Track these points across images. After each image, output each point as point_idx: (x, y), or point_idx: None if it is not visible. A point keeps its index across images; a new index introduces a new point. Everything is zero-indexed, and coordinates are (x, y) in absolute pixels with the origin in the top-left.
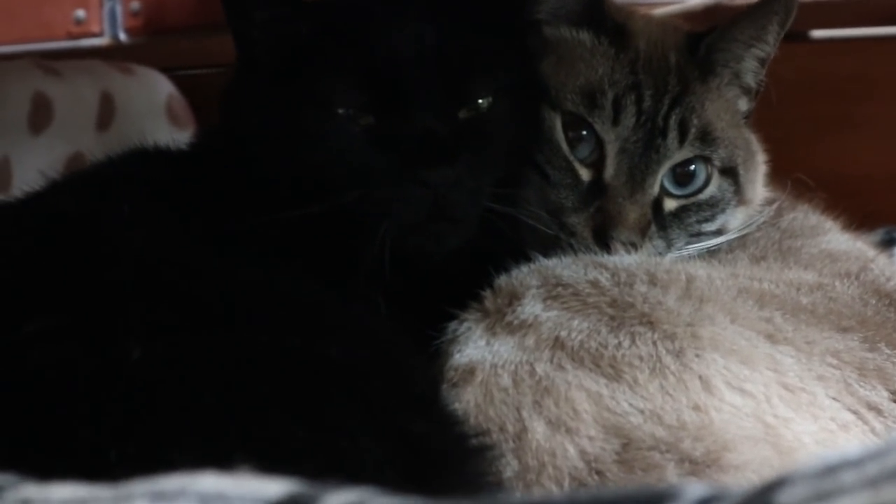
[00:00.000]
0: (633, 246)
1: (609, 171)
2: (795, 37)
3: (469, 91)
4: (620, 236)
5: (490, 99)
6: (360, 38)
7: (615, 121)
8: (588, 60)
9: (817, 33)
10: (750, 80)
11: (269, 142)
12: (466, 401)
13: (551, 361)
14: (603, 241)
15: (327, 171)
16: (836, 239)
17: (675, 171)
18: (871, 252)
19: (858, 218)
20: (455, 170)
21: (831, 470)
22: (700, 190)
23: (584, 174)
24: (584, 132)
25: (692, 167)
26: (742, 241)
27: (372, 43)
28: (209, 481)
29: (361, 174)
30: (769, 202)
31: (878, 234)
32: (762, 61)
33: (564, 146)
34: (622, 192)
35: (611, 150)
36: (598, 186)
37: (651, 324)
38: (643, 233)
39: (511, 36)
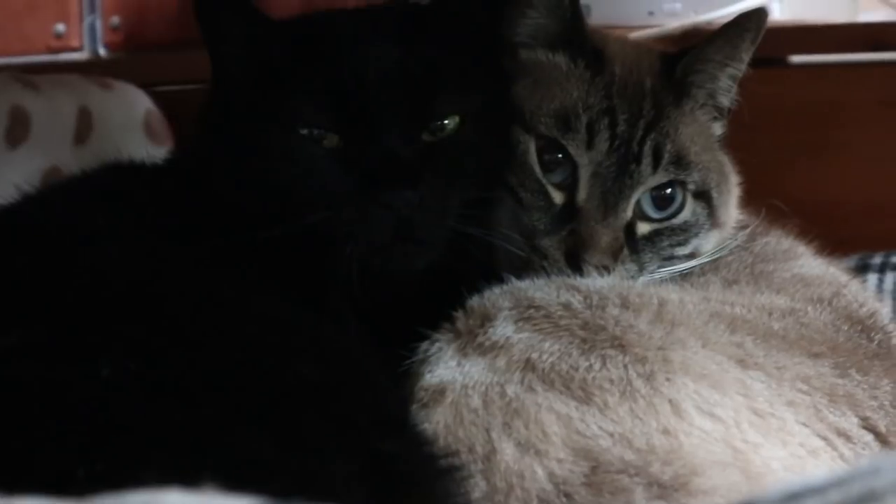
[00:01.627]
0: (606, 269)
1: (582, 194)
2: (772, 62)
3: (434, 112)
4: (592, 260)
5: (457, 120)
6: (327, 58)
7: (589, 144)
8: (563, 84)
9: (795, 59)
10: (724, 99)
11: (239, 161)
12: (436, 421)
13: (522, 383)
14: (575, 264)
15: (293, 191)
16: (809, 264)
17: (654, 196)
18: (843, 277)
19: (832, 244)
20: (418, 192)
21: (794, 497)
22: (674, 214)
23: (557, 197)
24: (560, 155)
25: (669, 191)
26: (714, 265)
27: (338, 64)
28: (174, 497)
29: (326, 195)
30: (743, 226)
31: (853, 261)
32: (735, 79)
33: (538, 169)
34: (595, 216)
35: (584, 174)
36: (570, 209)
37: (622, 347)
38: (615, 256)
39: (482, 58)
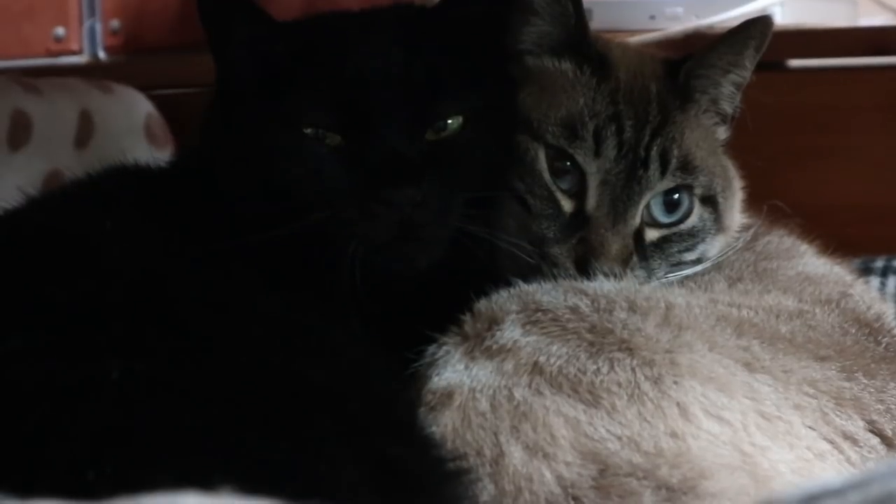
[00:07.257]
0: (616, 276)
1: (591, 202)
2: (773, 66)
3: (437, 112)
4: (603, 267)
5: (460, 120)
6: (332, 59)
7: (597, 152)
8: (569, 91)
9: (794, 62)
10: (726, 105)
11: (243, 161)
12: (444, 424)
13: (530, 386)
14: (585, 272)
15: (297, 191)
16: (813, 262)
17: (664, 200)
18: (848, 277)
19: (834, 247)
20: (420, 189)
21: (813, 499)
22: (682, 220)
23: (567, 205)
24: (568, 163)
25: (676, 196)
26: (717, 263)
27: (341, 63)
28: (192, 500)
29: (329, 194)
30: (745, 228)
31: (855, 264)
32: (738, 86)
33: (547, 176)
34: (604, 224)
35: (592, 182)
36: (579, 217)
37: (630, 350)
38: (625, 264)
39: (485, 61)
